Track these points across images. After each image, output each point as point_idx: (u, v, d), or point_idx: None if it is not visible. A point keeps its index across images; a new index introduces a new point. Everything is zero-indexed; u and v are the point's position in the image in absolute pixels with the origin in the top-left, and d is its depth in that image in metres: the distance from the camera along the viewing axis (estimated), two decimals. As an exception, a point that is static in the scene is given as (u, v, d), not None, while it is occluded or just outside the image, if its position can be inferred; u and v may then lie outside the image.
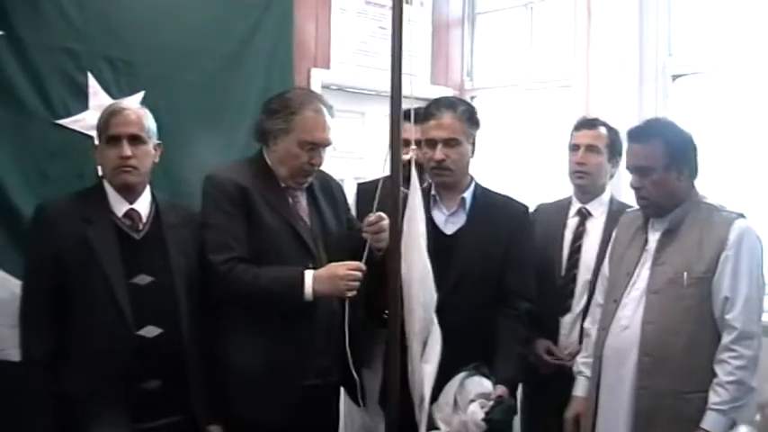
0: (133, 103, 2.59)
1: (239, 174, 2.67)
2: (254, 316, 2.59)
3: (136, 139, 2.49)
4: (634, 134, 2.75)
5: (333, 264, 2.58)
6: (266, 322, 2.59)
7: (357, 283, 2.53)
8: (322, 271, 2.56)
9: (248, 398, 2.58)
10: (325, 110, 2.70)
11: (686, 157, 2.68)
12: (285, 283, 2.56)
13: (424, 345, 2.39)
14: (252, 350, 2.56)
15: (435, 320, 2.40)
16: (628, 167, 2.74)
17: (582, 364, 2.91)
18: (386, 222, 2.55)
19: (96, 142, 2.56)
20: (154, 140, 2.58)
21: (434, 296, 2.41)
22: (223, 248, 2.57)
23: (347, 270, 2.52)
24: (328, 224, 2.75)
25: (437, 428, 2.39)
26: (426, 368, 2.36)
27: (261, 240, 2.61)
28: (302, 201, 2.75)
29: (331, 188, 2.89)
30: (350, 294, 2.53)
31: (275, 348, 2.58)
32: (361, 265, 2.53)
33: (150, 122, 2.58)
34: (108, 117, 2.52)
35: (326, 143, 2.70)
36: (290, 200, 2.72)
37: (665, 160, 2.63)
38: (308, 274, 2.54)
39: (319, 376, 2.67)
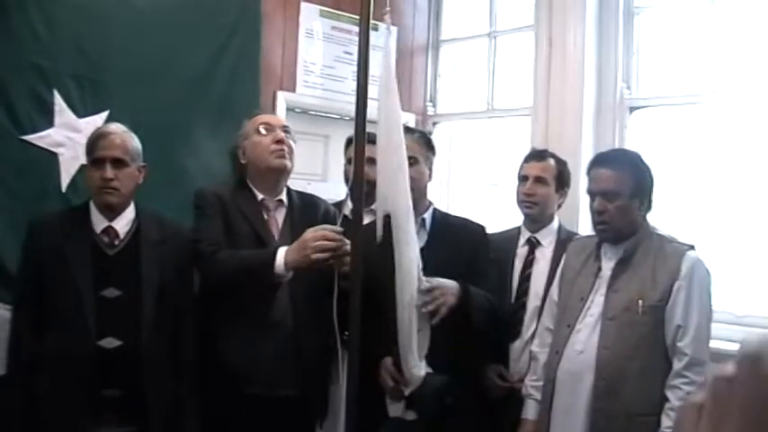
0: (119, 126, 2.70)
1: (220, 187, 2.87)
2: (217, 323, 2.70)
3: (119, 162, 2.62)
4: (605, 159, 2.82)
5: None
6: (225, 328, 2.69)
7: (324, 243, 2.53)
8: (294, 243, 2.62)
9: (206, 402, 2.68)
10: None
11: (648, 190, 2.77)
12: (259, 256, 2.64)
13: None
14: (206, 355, 2.70)
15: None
16: (592, 191, 2.78)
17: (531, 388, 2.95)
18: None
19: (84, 162, 2.71)
20: (138, 163, 2.69)
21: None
22: (209, 239, 2.71)
23: (315, 234, 2.56)
24: None
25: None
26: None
27: (230, 245, 2.71)
28: (277, 216, 2.86)
29: (315, 211, 2.94)
30: (314, 257, 2.53)
31: (223, 355, 2.67)
32: (337, 228, 2.57)
33: (135, 146, 2.68)
34: (94, 140, 2.65)
35: (280, 123, 2.88)
36: (265, 214, 2.82)
37: (633, 189, 2.72)
38: (282, 248, 2.60)
39: (265, 387, 2.68)
